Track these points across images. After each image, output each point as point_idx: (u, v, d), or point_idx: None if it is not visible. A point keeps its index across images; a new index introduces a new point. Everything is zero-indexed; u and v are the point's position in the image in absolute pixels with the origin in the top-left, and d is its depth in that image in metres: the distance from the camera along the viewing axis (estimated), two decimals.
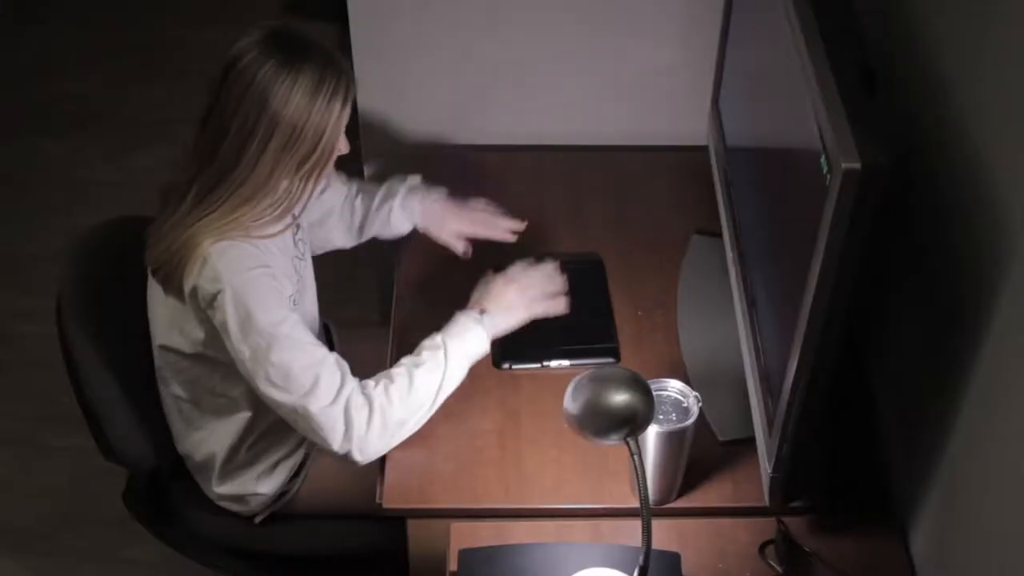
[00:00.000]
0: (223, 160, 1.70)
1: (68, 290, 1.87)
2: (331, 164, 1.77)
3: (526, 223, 2.08)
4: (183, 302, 1.75)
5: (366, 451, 1.75)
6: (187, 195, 1.73)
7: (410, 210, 2.09)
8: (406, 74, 2.34)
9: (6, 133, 3.61)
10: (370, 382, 1.77)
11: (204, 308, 1.73)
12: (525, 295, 1.88)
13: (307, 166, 1.72)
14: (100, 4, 4.08)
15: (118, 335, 1.90)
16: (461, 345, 1.80)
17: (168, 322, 1.82)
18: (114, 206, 3.01)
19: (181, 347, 1.82)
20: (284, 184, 1.74)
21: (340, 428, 1.73)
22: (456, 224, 2.08)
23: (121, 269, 1.93)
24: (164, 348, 1.85)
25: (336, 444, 1.74)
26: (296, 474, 1.96)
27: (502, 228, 2.08)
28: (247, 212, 1.72)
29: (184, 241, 1.71)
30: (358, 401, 1.73)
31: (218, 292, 1.70)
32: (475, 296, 1.87)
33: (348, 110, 1.73)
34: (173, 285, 1.74)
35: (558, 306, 1.91)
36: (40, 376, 2.80)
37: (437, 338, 1.81)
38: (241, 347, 1.72)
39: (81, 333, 1.85)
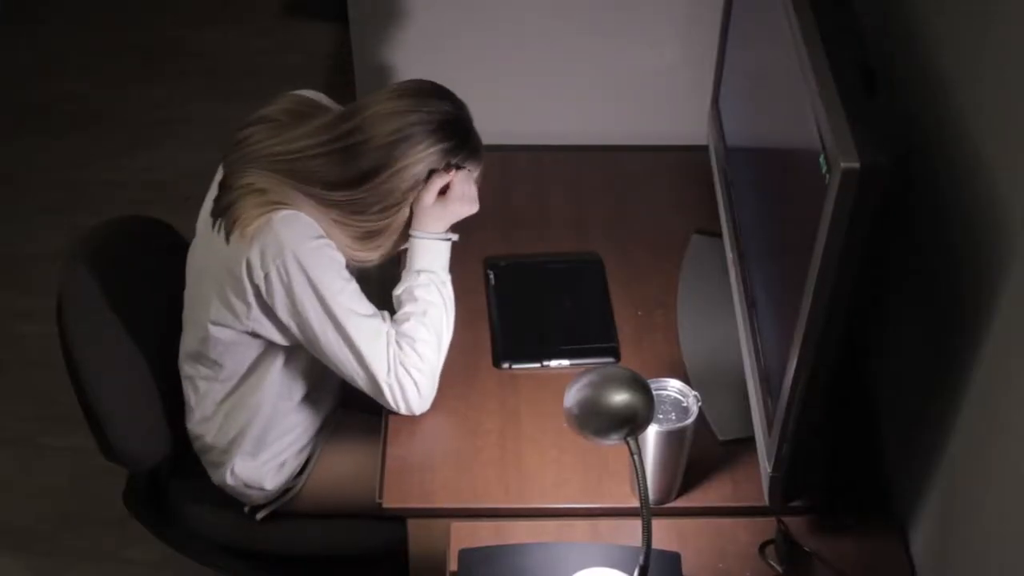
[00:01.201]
0: (358, 199, 1.78)
1: (68, 290, 1.87)
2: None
3: None
4: (239, 261, 1.74)
5: (425, 402, 1.86)
6: (305, 167, 1.77)
7: None
8: (406, 74, 2.33)
9: (6, 133, 3.61)
10: (400, 352, 1.81)
11: (257, 280, 1.74)
12: (452, 197, 1.87)
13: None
14: (100, 4, 4.09)
15: (119, 335, 1.90)
16: (437, 266, 1.85)
17: (218, 293, 1.79)
18: (114, 206, 3.04)
19: (226, 320, 1.80)
20: (378, 251, 1.84)
21: (398, 397, 1.83)
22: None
23: (122, 269, 1.93)
24: (210, 323, 1.82)
25: (400, 409, 1.84)
26: (300, 471, 1.97)
27: None
28: (329, 227, 1.78)
29: (262, 191, 1.74)
30: (402, 372, 1.81)
31: (279, 261, 1.72)
32: (414, 224, 1.86)
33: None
34: (232, 233, 1.75)
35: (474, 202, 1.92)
36: (40, 376, 2.80)
37: (422, 276, 1.84)
38: (301, 316, 1.75)
39: (81, 333, 1.85)
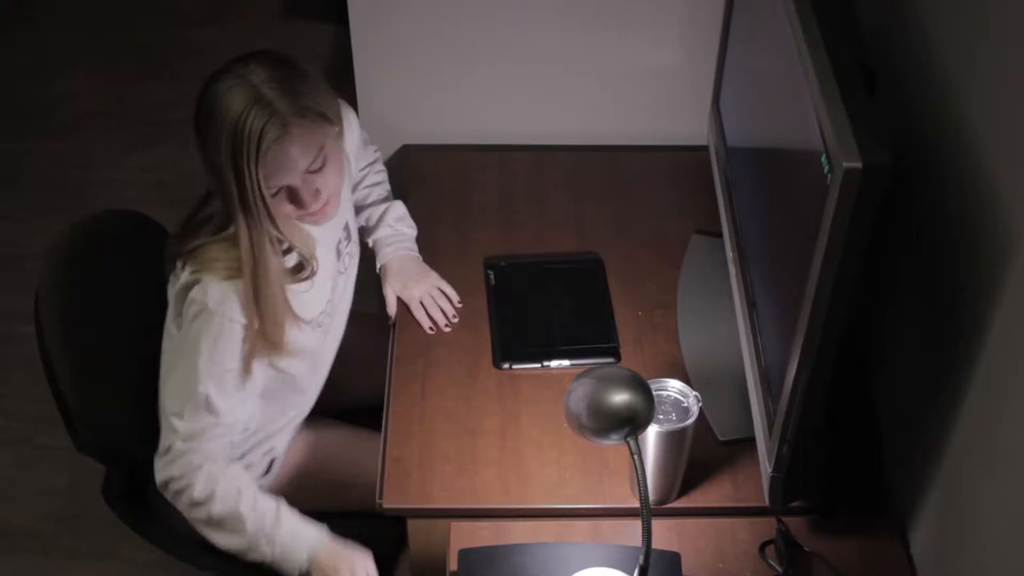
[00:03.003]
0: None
1: (46, 285, 1.87)
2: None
3: (455, 321, 2.04)
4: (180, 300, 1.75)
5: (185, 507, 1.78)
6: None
7: (379, 254, 2.10)
8: (406, 74, 2.34)
9: (6, 133, 3.61)
10: (247, 493, 1.76)
11: (181, 313, 1.75)
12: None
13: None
14: (100, 4, 4.09)
15: (96, 329, 1.90)
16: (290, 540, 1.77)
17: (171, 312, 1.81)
18: (114, 206, 3.02)
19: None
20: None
21: (182, 482, 1.76)
22: (404, 291, 2.05)
23: (99, 265, 1.93)
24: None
25: (157, 475, 1.78)
26: (266, 473, 1.97)
27: (440, 318, 2.03)
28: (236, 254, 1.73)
29: (204, 258, 1.73)
30: (220, 481, 1.75)
31: (196, 311, 1.72)
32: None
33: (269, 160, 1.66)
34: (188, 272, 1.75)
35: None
36: (40, 376, 2.78)
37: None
38: (174, 362, 1.76)
39: (56, 328, 1.85)
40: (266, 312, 1.73)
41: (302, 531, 1.77)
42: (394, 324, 2.04)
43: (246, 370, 1.77)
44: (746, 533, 1.74)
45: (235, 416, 1.78)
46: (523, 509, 1.78)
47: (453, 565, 1.69)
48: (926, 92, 1.62)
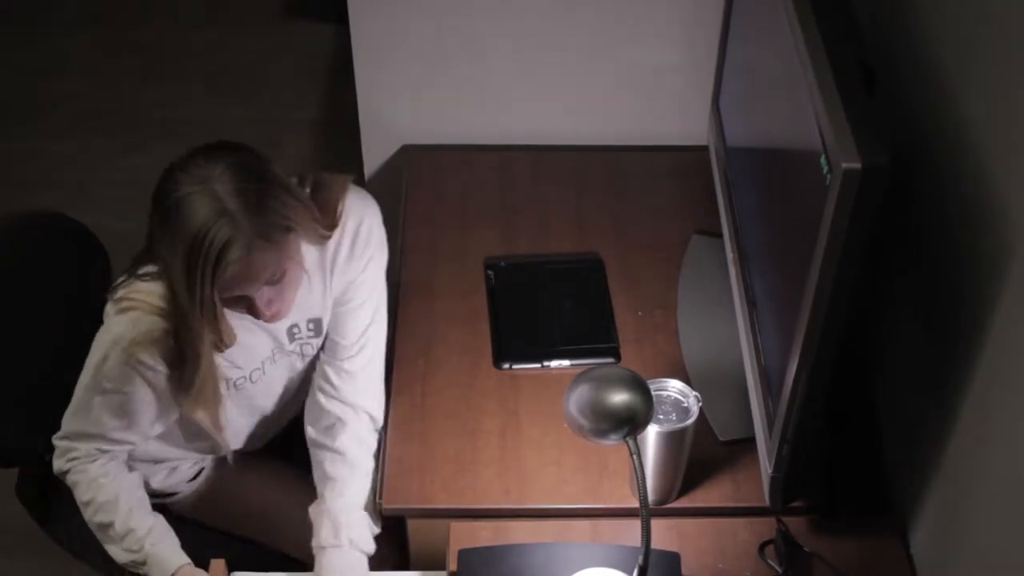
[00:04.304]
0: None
1: None
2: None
3: None
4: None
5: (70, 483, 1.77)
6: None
7: (316, 557, 1.79)
8: (406, 74, 2.34)
9: (6, 133, 3.61)
10: (103, 479, 1.75)
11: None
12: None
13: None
14: (100, 4, 4.09)
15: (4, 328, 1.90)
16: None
17: None
18: (114, 206, 3.03)
19: None
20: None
21: (71, 477, 1.76)
22: None
23: (14, 264, 1.91)
24: None
25: (56, 466, 1.78)
26: (193, 479, 1.95)
27: None
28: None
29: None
30: (103, 489, 1.75)
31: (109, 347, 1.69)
32: None
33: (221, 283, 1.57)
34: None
35: None
36: None
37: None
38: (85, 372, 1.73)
39: None
40: (194, 378, 1.68)
41: (166, 556, 1.74)
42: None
43: (157, 417, 1.75)
44: (746, 533, 1.74)
45: (123, 436, 1.75)
46: (523, 509, 1.78)
47: (453, 565, 1.69)
48: (926, 92, 1.62)
